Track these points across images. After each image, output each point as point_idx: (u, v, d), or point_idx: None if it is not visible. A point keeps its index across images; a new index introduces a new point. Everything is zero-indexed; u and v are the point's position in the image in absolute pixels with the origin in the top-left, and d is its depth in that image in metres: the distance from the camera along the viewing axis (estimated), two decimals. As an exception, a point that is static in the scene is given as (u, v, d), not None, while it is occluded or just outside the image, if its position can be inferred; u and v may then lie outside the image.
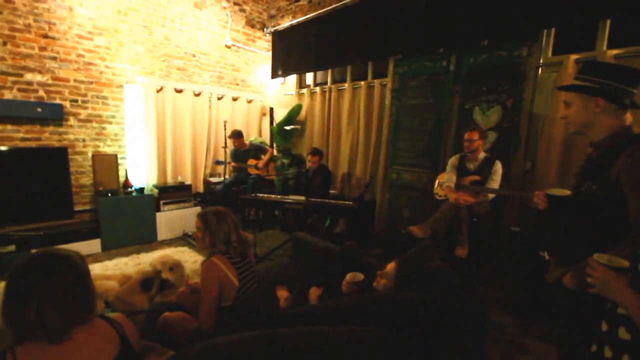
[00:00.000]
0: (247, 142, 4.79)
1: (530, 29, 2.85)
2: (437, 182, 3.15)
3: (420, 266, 1.54)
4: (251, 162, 4.66)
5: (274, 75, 5.32)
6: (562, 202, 1.32)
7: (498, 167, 2.78)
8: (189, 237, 4.07)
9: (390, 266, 1.56)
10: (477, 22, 3.10)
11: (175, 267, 2.13)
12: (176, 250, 3.75)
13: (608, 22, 2.61)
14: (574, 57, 2.67)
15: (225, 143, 4.44)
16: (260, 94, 5.56)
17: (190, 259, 3.48)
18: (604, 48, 2.62)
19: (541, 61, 2.92)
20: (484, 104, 3.17)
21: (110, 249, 3.70)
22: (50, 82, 3.56)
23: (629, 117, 1.21)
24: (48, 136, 3.60)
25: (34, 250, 3.35)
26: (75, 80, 3.72)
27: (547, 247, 1.51)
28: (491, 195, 2.78)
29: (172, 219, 4.22)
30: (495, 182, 2.76)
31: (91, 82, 3.84)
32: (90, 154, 3.88)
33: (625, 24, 2.56)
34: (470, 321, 1.32)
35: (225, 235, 1.63)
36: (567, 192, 1.32)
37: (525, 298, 2.46)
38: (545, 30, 2.88)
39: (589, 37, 2.71)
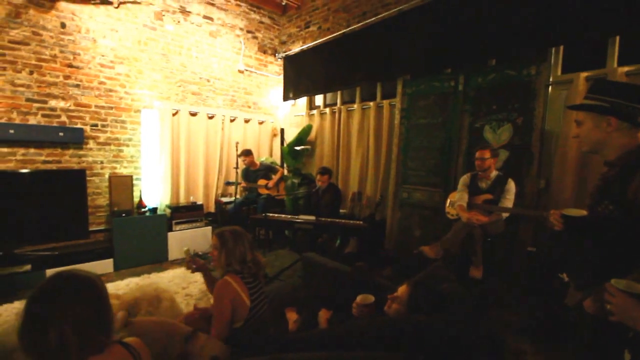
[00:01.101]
0: (257, 162, 4.86)
1: (538, 48, 2.87)
2: (448, 201, 3.11)
3: (433, 289, 1.49)
4: (261, 182, 4.71)
5: (286, 98, 5.46)
6: (578, 223, 1.28)
7: (511, 185, 2.73)
8: (199, 257, 4.07)
9: (402, 289, 1.51)
10: (484, 42, 3.14)
11: (135, 312, 1.96)
12: (186, 270, 3.75)
13: (617, 39, 2.61)
14: (584, 74, 2.66)
15: (237, 164, 4.52)
16: (271, 115, 5.70)
17: (200, 278, 3.46)
18: (615, 65, 2.61)
19: (551, 79, 2.92)
20: (494, 122, 3.15)
21: (122, 268, 3.73)
22: (72, 107, 3.75)
23: (643, 135, 1.19)
24: (68, 159, 3.74)
25: (49, 271, 3.39)
26: (96, 106, 3.90)
27: (566, 270, 1.46)
28: (505, 215, 2.72)
29: (183, 238, 4.25)
30: (509, 200, 2.70)
31: (111, 108, 4.01)
32: (107, 176, 4.00)
33: (636, 40, 2.55)
34: (487, 346, 1.26)
35: (241, 255, 1.64)
36: (584, 213, 1.28)
37: (545, 322, 2.34)
38: (553, 49, 2.89)
39: (599, 54, 2.71)
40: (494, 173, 2.84)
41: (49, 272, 3.26)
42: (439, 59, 3.52)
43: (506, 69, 3.09)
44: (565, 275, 1.46)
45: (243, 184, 4.75)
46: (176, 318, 1.96)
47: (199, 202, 4.62)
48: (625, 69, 2.50)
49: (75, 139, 3.71)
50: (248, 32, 5.28)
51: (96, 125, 3.92)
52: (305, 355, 0.95)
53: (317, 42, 4.79)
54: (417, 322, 1.16)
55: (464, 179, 2.97)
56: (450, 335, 1.14)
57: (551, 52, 2.91)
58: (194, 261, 1.92)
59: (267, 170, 4.81)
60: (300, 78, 5.16)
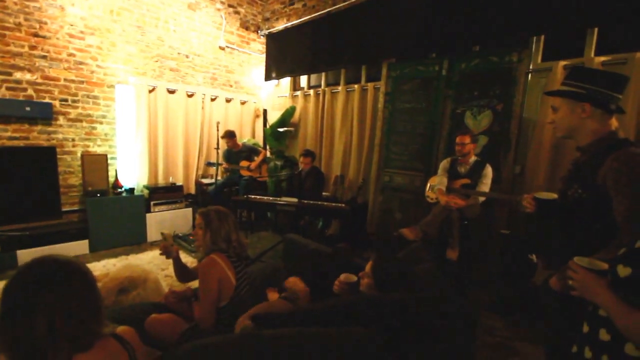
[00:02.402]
0: (240, 143, 4.77)
1: (521, 36, 2.91)
2: (428, 185, 3.18)
3: (396, 261, 1.54)
4: (243, 163, 4.64)
5: (268, 77, 5.33)
6: (549, 206, 1.33)
7: (488, 170, 2.82)
8: (180, 238, 4.03)
9: (368, 264, 1.57)
10: (469, 28, 3.15)
11: (126, 290, 2.06)
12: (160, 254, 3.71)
13: (596, 30, 2.67)
14: (562, 63, 2.72)
15: (218, 144, 4.42)
16: (254, 95, 5.56)
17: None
18: (592, 55, 2.68)
19: (531, 67, 2.98)
20: (475, 108, 3.21)
21: (99, 250, 3.64)
22: (39, 81, 3.51)
23: (614, 122, 1.23)
24: (36, 135, 3.54)
25: (20, 252, 3.23)
26: (65, 80, 3.68)
27: (535, 250, 1.53)
28: (482, 199, 2.81)
29: (162, 220, 4.17)
30: (486, 185, 2.79)
31: (82, 82, 3.79)
32: (79, 154, 3.83)
33: (612, 31, 2.63)
34: (460, 322, 1.32)
35: (226, 234, 1.62)
36: (554, 196, 1.34)
37: (514, 300, 2.49)
38: (535, 37, 2.93)
39: (577, 44, 2.77)
40: (472, 158, 2.91)
41: (20, 253, 3.14)
42: (424, 42, 3.50)
43: (489, 55, 3.12)
44: (534, 256, 1.53)
45: (224, 165, 4.67)
46: (160, 298, 1.99)
47: (179, 183, 4.52)
48: (602, 58, 2.57)
49: (43, 114, 3.50)
50: (229, 6, 5.05)
51: (66, 100, 3.70)
52: (281, 331, 0.96)
53: (301, 20, 4.65)
54: (387, 298, 1.19)
55: (444, 163, 3.03)
56: (420, 310, 1.19)
57: (533, 40, 2.95)
58: (169, 250, 1.83)
59: (250, 151, 4.74)
60: (283, 57, 5.03)
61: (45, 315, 0.73)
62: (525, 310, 2.40)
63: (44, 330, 0.71)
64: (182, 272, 1.89)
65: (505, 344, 2.19)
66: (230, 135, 4.56)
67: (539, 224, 1.43)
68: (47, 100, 3.56)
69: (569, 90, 1.25)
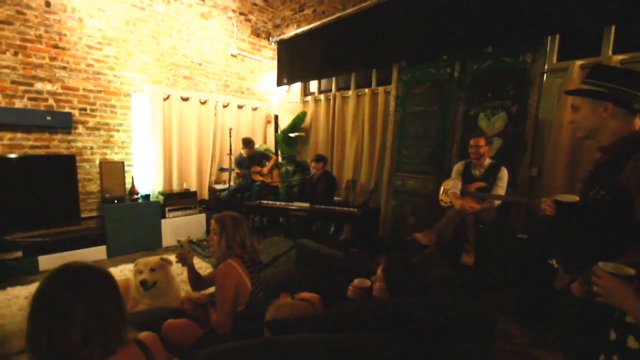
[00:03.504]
0: (254, 148, 4.81)
1: (534, 35, 2.85)
2: (442, 188, 3.13)
3: (407, 263, 1.52)
4: (255, 168, 4.68)
5: (279, 83, 5.38)
6: (570, 208, 1.29)
7: (504, 173, 2.76)
8: (194, 243, 4.08)
9: (380, 268, 1.56)
10: (480, 29, 3.11)
11: (157, 267, 2.16)
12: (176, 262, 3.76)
13: (613, 27, 2.60)
14: (579, 62, 2.66)
15: (230, 150, 4.47)
16: (265, 101, 5.62)
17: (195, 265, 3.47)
18: (610, 54, 2.61)
19: (546, 67, 2.92)
20: (488, 110, 3.16)
21: (116, 255, 3.71)
22: (59, 91, 3.64)
23: (638, 122, 1.19)
24: (57, 144, 3.66)
25: (41, 257, 3.32)
26: (84, 89, 3.80)
27: (556, 255, 1.49)
28: (497, 202, 2.75)
29: (177, 226, 4.23)
30: (501, 188, 2.73)
31: (100, 91, 3.91)
32: (97, 162, 3.93)
33: (631, 29, 2.55)
34: (478, 329, 1.29)
35: (242, 240, 1.63)
36: (576, 198, 1.30)
37: (533, 306, 2.41)
38: (549, 36, 2.88)
39: (594, 42, 2.70)
40: (487, 161, 2.86)
41: (41, 259, 3.23)
42: (435, 45, 3.48)
43: (502, 56, 3.07)
44: (554, 261, 1.49)
45: (237, 171, 4.72)
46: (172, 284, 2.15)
47: (193, 189, 4.58)
48: (620, 57, 2.50)
49: (63, 123, 3.62)
50: (241, 14, 5.14)
51: (85, 109, 3.82)
52: (296, 337, 0.96)
53: (311, 25, 4.69)
54: (404, 304, 1.17)
55: (458, 166, 2.99)
56: (439, 315, 1.16)
57: (547, 40, 2.90)
58: (185, 257, 1.86)
59: (261, 157, 4.78)
60: (294, 63, 5.07)
61: (81, 319, 0.74)
62: (544, 317, 2.33)
63: (79, 334, 0.73)
64: (196, 280, 1.91)
65: (523, 351, 2.13)
66: (249, 144, 4.59)
67: (560, 228, 1.39)
68: (66, 109, 3.69)
69: (590, 89, 1.22)
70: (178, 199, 4.33)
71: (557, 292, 1.38)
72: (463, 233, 2.74)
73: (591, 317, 1.15)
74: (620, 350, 0.84)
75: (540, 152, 2.96)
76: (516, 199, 2.83)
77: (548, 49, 2.90)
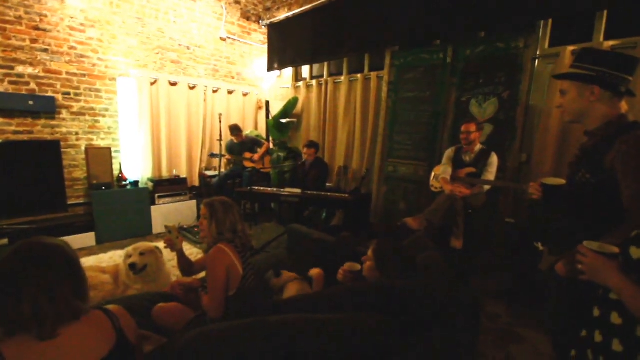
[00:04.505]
0: (243, 135, 4.76)
1: (527, 20, 2.83)
2: (433, 174, 3.15)
3: (397, 246, 1.55)
4: (247, 155, 4.63)
5: (270, 68, 5.28)
6: (556, 191, 1.31)
7: (494, 159, 2.78)
8: (185, 230, 4.06)
9: (370, 249, 1.59)
10: (474, 14, 3.07)
11: (146, 252, 2.16)
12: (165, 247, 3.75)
13: (605, 13, 2.60)
14: (570, 48, 2.66)
15: (221, 136, 4.40)
16: (256, 87, 5.52)
17: (186, 252, 3.46)
18: (601, 39, 2.62)
19: (538, 53, 2.92)
20: (480, 96, 3.16)
21: (105, 242, 3.68)
22: (42, 74, 3.51)
23: (624, 105, 1.20)
24: (40, 129, 3.55)
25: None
26: (67, 73, 3.67)
27: (541, 238, 1.52)
28: (487, 187, 2.78)
29: (167, 213, 4.20)
30: (491, 174, 2.76)
31: (84, 75, 3.78)
32: (83, 147, 3.84)
33: (622, 15, 2.55)
34: (464, 309, 1.32)
35: (232, 225, 1.62)
36: (562, 182, 1.32)
37: (519, 287, 2.48)
38: (542, 22, 2.86)
39: (585, 28, 2.70)
40: (478, 147, 2.88)
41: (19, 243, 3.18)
42: (428, 29, 3.43)
43: (495, 41, 3.05)
44: (540, 244, 1.52)
45: (228, 157, 4.67)
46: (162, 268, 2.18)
47: (183, 176, 4.53)
48: (611, 43, 2.51)
49: (46, 107, 3.51)
50: (230, -4, 4.98)
51: (68, 93, 3.70)
52: (286, 317, 0.97)
53: (303, 8, 4.58)
54: (392, 285, 1.19)
55: (449, 152, 3.00)
56: (427, 297, 1.19)
57: (540, 25, 2.88)
58: (173, 243, 1.84)
59: (253, 143, 4.72)
60: (285, 47, 4.97)
61: (30, 295, 0.79)
62: (530, 298, 2.40)
63: (29, 310, 0.78)
64: (187, 265, 1.90)
65: (509, 330, 2.20)
66: (236, 130, 4.53)
67: (546, 210, 1.41)
68: (49, 94, 3.57)
69: (577, 73, 1.22)
70: (168, 186, 4.28)
71: (541, 274, 1.41)
72: (452, 218, 2.77)
73: (574, 295, 1.19)
74: (603, 325, 0.86)
75: (529, 138, 2.99)
76: (505, 184, 2.87)
77: (540, 34, 2.89)
